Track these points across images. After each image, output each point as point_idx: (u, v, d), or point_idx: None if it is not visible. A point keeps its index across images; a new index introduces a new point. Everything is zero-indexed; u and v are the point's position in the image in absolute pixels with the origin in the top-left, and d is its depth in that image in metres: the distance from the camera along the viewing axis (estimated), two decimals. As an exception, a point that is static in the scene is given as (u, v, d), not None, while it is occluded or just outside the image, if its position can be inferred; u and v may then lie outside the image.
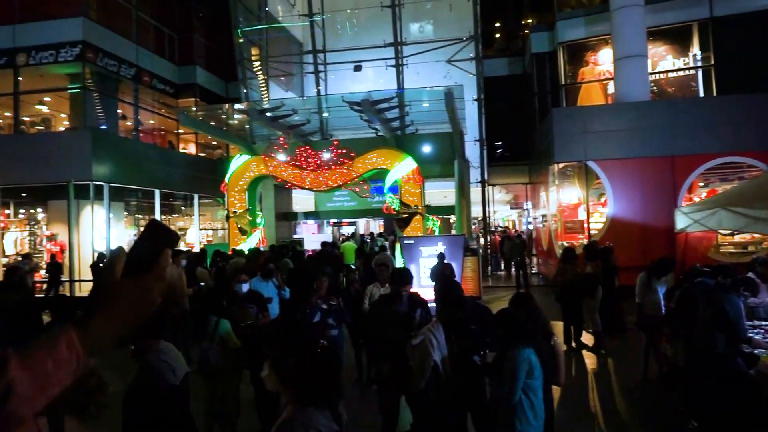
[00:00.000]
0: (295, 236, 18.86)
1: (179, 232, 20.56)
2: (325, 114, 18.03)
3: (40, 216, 16.38)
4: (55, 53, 15.13)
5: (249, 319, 5.55)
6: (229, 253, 12.47)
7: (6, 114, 16.50)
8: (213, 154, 21.82)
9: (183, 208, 20.82)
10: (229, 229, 15.68)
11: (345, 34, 21.47)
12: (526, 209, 22.16)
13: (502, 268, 20.10)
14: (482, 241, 17.49)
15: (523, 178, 20.78)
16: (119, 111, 17.32)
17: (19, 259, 13.50)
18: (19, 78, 15.41)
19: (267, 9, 20.91)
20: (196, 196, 18.97)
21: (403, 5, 18.96)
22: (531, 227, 20.79)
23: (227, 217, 15.60)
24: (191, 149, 20.94)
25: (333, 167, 14.78)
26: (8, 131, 16.44)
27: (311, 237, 19.41)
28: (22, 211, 16.75)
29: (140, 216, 18.80)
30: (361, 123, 16.66)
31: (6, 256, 14.96)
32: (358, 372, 6.96)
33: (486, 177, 18.78)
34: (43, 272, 14.10)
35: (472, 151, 18.43)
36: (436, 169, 15.85)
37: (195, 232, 19.51)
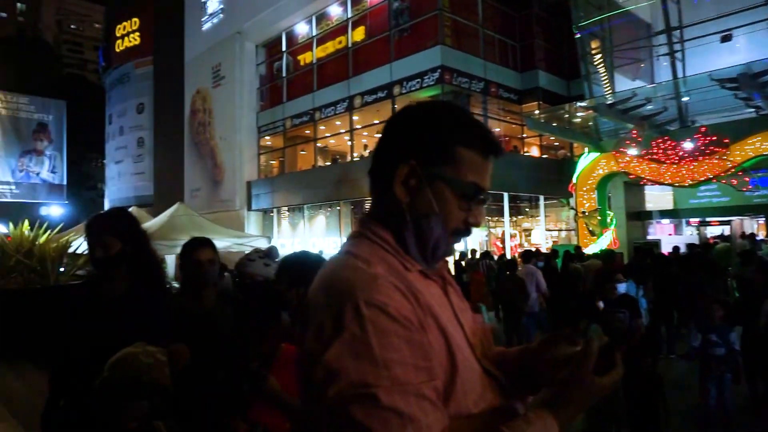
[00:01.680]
0: (648, 237, 17.14)
1: (524, 233, 21.35)
2: (685, 98, 15.71)
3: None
4: (420, 80, 17.63)
5: (619, 324, 5.26)
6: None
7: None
8: (557, 155, 21.74)
9: (527, 209, 21.43)
10: (578, 230, 15.33)
11: (704, 2, 18.43)
12: None
13: None
14: None
15: None
16: (471, 123, 19.05)
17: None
18: (395, 106, 18.54)
19: (610, -4, 19.66)
20: (541, 198, 19.26)
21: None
22: None
23: (575, 218, 15.30)
24: (533, 152, 21.38)
25: (700, 158, 12.80)
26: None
27: (668, 238, 17.28)
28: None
29: (489, 218, 20.19)
30: (735, 102, 13.96)
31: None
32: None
33: None
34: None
35: None
36: None
37: (540, 233, 19.83)
